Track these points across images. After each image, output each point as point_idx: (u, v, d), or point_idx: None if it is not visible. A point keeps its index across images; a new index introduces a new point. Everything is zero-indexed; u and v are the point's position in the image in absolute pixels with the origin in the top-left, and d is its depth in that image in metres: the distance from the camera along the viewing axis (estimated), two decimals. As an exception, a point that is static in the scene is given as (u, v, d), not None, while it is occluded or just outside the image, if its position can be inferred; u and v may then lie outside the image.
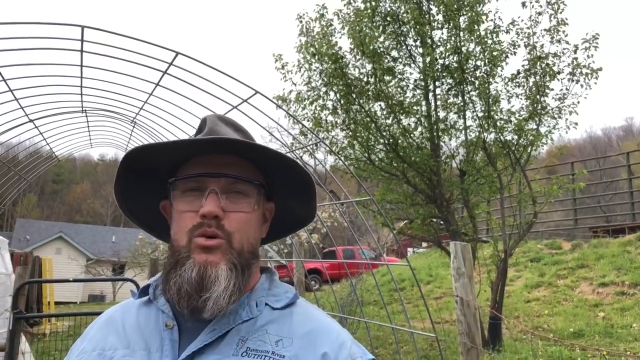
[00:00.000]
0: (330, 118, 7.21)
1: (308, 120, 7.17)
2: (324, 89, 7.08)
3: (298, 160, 1.02)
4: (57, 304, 16.83)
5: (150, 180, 1.04)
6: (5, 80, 3.83)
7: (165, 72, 3.50)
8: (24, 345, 5.35)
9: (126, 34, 2.93)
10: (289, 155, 0.99)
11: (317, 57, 6.77)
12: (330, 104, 7.15)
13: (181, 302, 0.88)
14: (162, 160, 0.99)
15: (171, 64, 3.40)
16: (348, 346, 0.92)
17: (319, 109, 7.16)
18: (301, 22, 7.08)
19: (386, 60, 7.08)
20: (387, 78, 7.12)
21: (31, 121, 4.96)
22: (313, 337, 0.91)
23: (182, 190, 0.96)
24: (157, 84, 3.77)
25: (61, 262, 26.44)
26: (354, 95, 6.91)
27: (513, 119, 6.70)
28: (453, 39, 6.82)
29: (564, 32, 6.37)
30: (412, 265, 4.60)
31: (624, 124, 71.48)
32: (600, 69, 6.31)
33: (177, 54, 3.22)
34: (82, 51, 3.32)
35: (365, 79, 6.98)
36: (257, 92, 3.47)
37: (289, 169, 1.00)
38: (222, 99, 3.76)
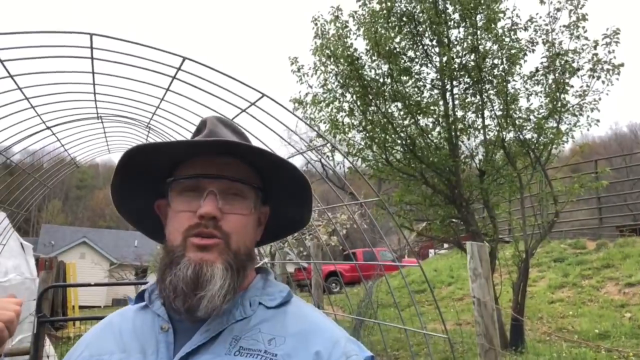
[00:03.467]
0: (347, 120, 7.20)
1: (324, 123, 7.18)
2: (339, 91, 7.08)
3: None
4: (81, 307, 17.16)
5: (146, 178, 1.03)
6: (20, 89, 3.92)
7: (174, 77, 3.53)
8: (49, 348, 5.44)
9: (134, 40, 2.98)
10: (289, 159, 0.99)
11: (332, 59, 6.77)
12: (346, 106, 7.15)
13: (177, 300, 0.89)
14: (160, 159, 0.99)
15: (179, 69, 3.43)
16: (342, 344, 0.91)
17: (335, 110, 7.16)
18: (316, 24, 7.09)
19: (402, 61, 7.05)
20: (404, 78, 7.08)
21: (48, 128, 5.07)
22: (306, 335, 0.91)
23: (180, 190, 0.96)
24: (167, 89, 3.81)
25: (85, 266, 26.91)
26: (370, 96, 6.89)
27: (532, 117, 6.60)
28: (470, 37, 6.75)
29: (583, 27, 6.26)
30: (423, 268, 4.55)
31: (651, 120, 70.01)
32: (622, 65, 6.17)
33: (184, 58, 3.25)
34: (92, 58, 3.38)
35: (382, 80, 6.95)
36: (263, 95, 3.48)
37: (286, 172, 1.00)
38: (231, 102, 3.78)
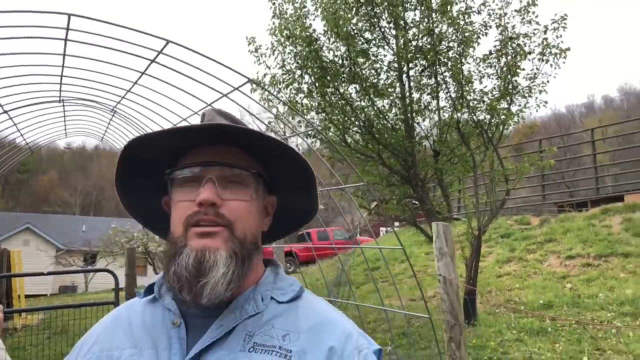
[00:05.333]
0: (306, 101, 7.19)
1: (283, 104, 7.14)
2: (298, 72, 7.05)
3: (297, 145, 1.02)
4: (26, 296, 16.47)
5: (151, 177, 1.03)
6: (-21, 73, 3.69)
7: (153, 60, 3.42)
8: None
9: (114, 22, 2.86)
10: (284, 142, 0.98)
11: (291, 40, 6.72)
12: (305, 87, 7.13)
13: (182, 290, 0.89)
14: (159, 152, 0.99)
15: (160, 52, 3.32)
16: (354, 338, 0.92)
17: (293, 92, 7.14)
18: (274, 3, 7.00)
19: (360, 42, 7.08)
20: (361, 60, 7.12)
21: (5, 112, 4.79)
22: (319, 330, 0.91)
23: (180, 182, 0.96)
24: (143, 72, 3.69)
25: (30, 253, 25.76)
26: (329, 78, 6.91)
27: (485, 98, 6.83)
28: (425, 20, 6.86)
29: (533, 12, 6.50)
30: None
31: (586, 101, 73.92)
32: (568, 49, 6.47)
33: (168, 41, 3.15)
34: (66, 39, 3.22)
35: (340, 61, 6.97)
36: (249, 80, 3.43)
37: (285, 157, 0.99)
38: (212, 87, 3.70)
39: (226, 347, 0.88)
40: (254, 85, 7.07)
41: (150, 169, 1.02)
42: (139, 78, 3.86)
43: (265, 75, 7.15)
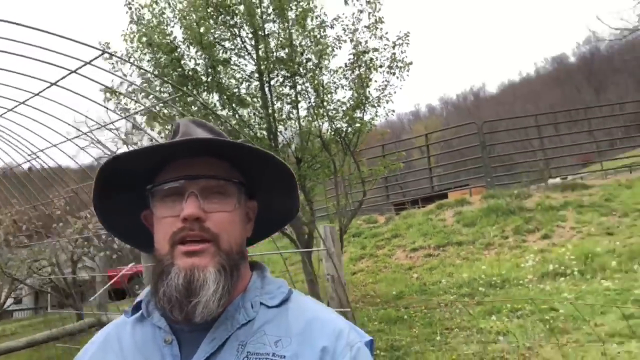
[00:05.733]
0: (166, 111, 6.93)
1: (142, 114, 6.78)
2: (157, 81, 6.77)
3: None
4: None
5: (128, 193, 1.01)
6: None
7: None
8: None
9: None
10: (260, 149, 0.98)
11: (151, 47, 6.42)
12: (166, 96, 6.86)
13: (174, 311, 0.88)
14: (138, 168, 0.97)
15: None
16: (345, 334, 0.92)
17: (153, 101, 6.82)
18: (130, 8, 6.62)
19: (220, 51, 7.06)
20: (222, 69, 7.10)
21: None
22: (310, 331, 0.91)
23: (161, 196, 0.95)
24: None
25: None
26: (190, 87, 6.76)
27: (343, 108, 7.30)
28: (283, 32, 7.10)
29: (381, 29, 7.16)
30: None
31: (413, 109, 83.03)
32: (411, 63, 7.26)
33: None
34: None
35: (201, 70, 6.87)
36: (104, 52, 3.07)
37: (264, 164, 0.99)
38: (58, 65, 3.22)
39: (221, 359, 0.88)
40: (108, 95, 6.61)
41: (127, 184, 1.00)
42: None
43: (121, 83, 6.77)
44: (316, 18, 7.19)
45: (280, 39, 7.06)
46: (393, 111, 7.59)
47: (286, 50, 7.03)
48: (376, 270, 10.73)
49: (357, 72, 7.14)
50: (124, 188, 1.00)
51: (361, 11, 7.14)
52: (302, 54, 6.98)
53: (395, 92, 7.36)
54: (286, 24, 6.95)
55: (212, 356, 0.88)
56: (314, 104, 7.18)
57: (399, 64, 7.21)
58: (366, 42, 7.17)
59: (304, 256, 6.88)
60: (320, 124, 7.20)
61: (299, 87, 7.22)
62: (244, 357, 0.88)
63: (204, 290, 0.87)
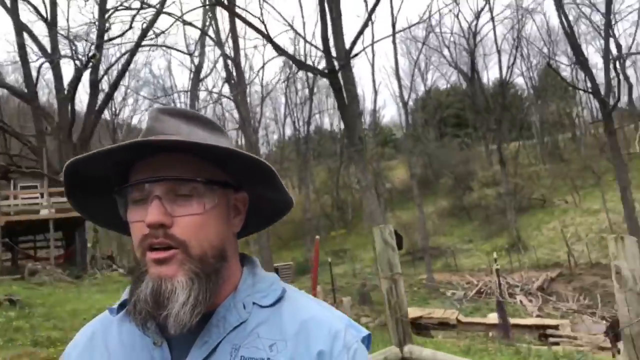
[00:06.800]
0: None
1: None
2: None
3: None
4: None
5: (105, 194, 0.95)
6: None
7: None
8: None
9: None
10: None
11: None
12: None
13: (147, 322, 0.84)
14: (107, 168, 0.90)
15: None
16: (342, 335, 0.89)
17: None
18: None
19: None
20: None
21: None
22: (306, 334, 0.87)
23: (130, 199, 0.88)
24: None
25: None
26: None
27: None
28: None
29: None
30: None
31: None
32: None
33: None
34: None
35: None
36: None
37: (238, 158, 0.89)
38: None
39: None
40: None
41: (102, 185, 0.94)
42: None
43: None
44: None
45: None
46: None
47: None
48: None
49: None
50: (99, 191, 0.95)
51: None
52: None
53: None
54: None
55: None
56: None
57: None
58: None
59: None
60: None
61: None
62: None
63: (172, 302, 0.81)
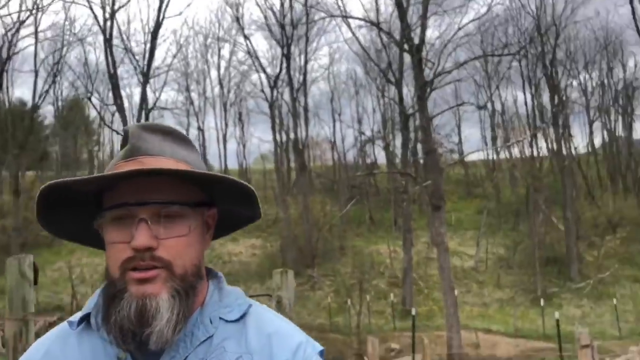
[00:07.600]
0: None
1: None
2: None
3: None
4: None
5: (76, 206, 0.93)
6: None
7: None
8: None
9: None
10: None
11: None
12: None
13: (126, 340, 0.82)
14: (84, 190, 0.88)
15: None
16: (302, 348, 0.90)
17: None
18: None
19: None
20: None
21: None
22: (270, 347, 0.88)
23: (111, 218, 0.86)
24: None
25: None
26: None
27: None
28: None
29: None
30: None
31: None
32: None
33: None
34: None
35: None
36: None
37: (223, 183, 0.92)
38: None
39: None
40: None
41: (74, 199, 0.91)
42: None
43: None
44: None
45: None
46: None
47: None
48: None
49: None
50: (70, 204, 0.92)
51: None
52: None
53: None
54: None
55: None
56: None
57: None
58: None
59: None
60: None
61: None
62: None
63: (157, 319, 0.81)
